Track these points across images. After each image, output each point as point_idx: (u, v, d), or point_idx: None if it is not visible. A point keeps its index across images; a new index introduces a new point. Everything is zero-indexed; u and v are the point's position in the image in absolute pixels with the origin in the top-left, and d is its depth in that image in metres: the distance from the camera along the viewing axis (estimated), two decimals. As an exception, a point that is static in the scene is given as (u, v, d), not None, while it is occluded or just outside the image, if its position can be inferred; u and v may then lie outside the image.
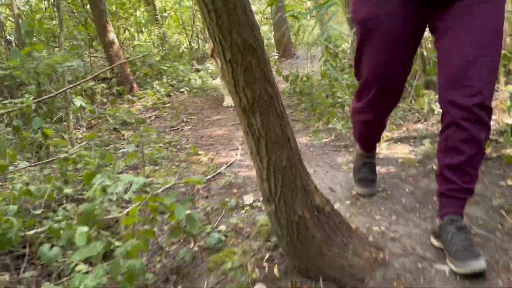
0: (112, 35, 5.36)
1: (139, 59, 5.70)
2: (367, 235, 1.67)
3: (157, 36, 8.35)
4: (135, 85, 5.51)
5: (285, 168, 1.36)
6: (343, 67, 4.84)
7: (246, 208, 2.06)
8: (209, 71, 6.50)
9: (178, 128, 4.14)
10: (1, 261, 1.71)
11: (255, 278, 1.48)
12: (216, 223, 1.96)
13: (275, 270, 1.52)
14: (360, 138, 2.03)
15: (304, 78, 4.69)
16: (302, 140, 3.28)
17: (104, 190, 1.63)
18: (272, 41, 9.39)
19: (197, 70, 6.52)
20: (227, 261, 1.58)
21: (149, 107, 4.94)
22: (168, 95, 5.38)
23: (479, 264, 1.35)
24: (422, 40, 3.99)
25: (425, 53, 3.86)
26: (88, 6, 5.72)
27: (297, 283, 1.44)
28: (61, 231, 1.73)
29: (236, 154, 3.05)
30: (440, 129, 1.53)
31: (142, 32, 9.27)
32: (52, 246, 1.65)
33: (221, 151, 3.22)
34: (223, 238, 1.73)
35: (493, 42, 1.37)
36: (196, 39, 9.41)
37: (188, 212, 1.51)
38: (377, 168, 2.30)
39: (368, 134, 1.97)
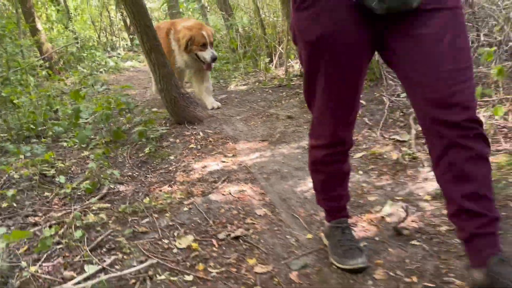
0: (39, 26, 6.87)
1: (68, 45, 7.24)
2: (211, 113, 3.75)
3: (71, 31, 9.75)
4: (61, 68, 7.07)
5: (166, 76, 3.35)
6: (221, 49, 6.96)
7: (153, 111, 4.01)
8: (120, 56, 8.22)
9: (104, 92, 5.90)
10: (30, 139, 3.46)
11: (160, 127, 3.45)
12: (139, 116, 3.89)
13: (167, 123, 3.51)
14: (326, 197, 1.67)
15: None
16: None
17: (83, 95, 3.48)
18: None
19: (110, 57, 8.20)
20: (145, 127, 3.52)
21: (77, 83, 6.57)
22: (90, 74, 7.04)
23: None
24: (263, 22, 6.17)
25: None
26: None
27: (176, 126, 3.45)
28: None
29: (148, 95, 4.98)
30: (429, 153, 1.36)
31: (52, 29, 10.58)
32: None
33: (136, 97, 5.11)
34: (142, 120, 3.67)
35: (466, 51, 1.26)
36: (104, 33, 10.94)
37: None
38: (225, 95, 4.41)
39: (335, 185, 1.63)
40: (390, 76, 3.57)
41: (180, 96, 3.41)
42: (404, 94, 3.25)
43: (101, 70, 7.25)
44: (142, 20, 3.18)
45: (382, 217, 1.92)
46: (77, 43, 9.23)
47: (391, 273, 1.53)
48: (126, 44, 10.40)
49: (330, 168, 1.58)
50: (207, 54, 3.76)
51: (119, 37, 10.63)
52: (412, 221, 1.85)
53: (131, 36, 10.07)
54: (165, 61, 3.33)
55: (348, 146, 1.57)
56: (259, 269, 1.67)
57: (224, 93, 4.71)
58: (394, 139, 2.77)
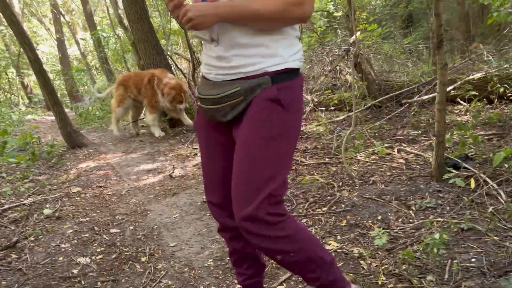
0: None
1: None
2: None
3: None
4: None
5: (63, 119, 5.59)
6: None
7: (56, 142, 6.14)
8: (22, 110, 10.02)
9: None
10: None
11: (60, 149, 5.62)
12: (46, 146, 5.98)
13: (65, 148, 5.70)
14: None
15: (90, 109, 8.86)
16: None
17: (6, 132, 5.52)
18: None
19: (13, 112, 9.97)
20: (51, 149, 5.65)
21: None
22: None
23: None
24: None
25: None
26: None
27: (70, 149, 5.65)
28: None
29: (53, 139, 7.05)
30: None
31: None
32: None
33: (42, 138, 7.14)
34: (49, 145, 5.78)
35: (259, 156, 1.35)
36: (2, 91, 12.54)
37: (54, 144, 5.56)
38: (105, 133, 6.72)
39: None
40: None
41: (72, 130, 5.66)
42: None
43: (6, 122, 9.03)
44: (48, 86, 5.42)
45: (168, 174, 4.39)
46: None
47: (163, 187, 3.99)
48: (25, 102, 12.11)
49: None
50: (182, 106, 5.84)
51: (18, 95, 12.32)
52: (179, 173, 4.35)
53: (29, 95, 11.87)
54: (63, 110, 5.57)
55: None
56: (108, 192, 4.00)
57: (105, 132, 6.98)
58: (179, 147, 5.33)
